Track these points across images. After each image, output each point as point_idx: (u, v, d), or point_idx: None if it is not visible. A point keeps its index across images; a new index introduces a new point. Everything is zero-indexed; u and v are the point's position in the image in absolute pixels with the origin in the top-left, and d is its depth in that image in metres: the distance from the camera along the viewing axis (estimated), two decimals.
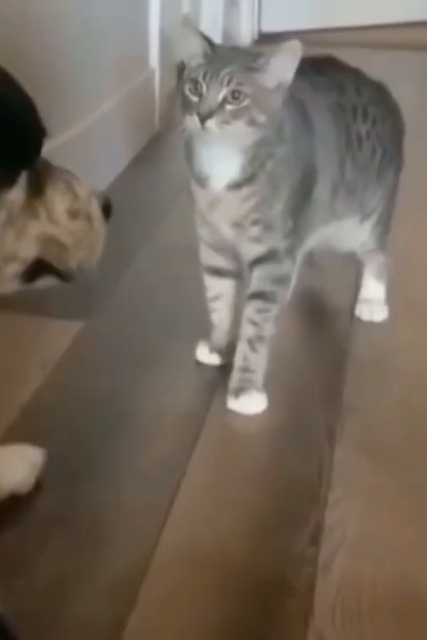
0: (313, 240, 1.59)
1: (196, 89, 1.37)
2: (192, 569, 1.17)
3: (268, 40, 4.54)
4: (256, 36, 4.62)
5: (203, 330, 1.62)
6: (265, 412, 1.50)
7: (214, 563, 1.19)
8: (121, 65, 2.64)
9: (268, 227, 1.46)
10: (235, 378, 1.51)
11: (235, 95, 1.36)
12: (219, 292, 1.57)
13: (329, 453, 1.41)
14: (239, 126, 1.37)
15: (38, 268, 0.98)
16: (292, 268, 1.51)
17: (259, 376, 1.51)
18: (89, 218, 1.02)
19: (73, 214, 1.00)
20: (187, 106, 1.38)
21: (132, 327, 1.69)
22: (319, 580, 1.15)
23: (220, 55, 1.39)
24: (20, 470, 1.27)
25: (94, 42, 2.37)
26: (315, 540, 1.22)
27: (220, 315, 1.59)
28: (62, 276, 1.02)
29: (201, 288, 1.58)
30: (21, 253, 0.95)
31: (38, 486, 1.29)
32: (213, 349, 1.61)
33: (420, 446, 1.44)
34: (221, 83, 1.36)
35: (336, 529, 1.25)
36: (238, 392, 1.50)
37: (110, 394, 1.54)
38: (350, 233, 1.69)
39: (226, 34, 4.13)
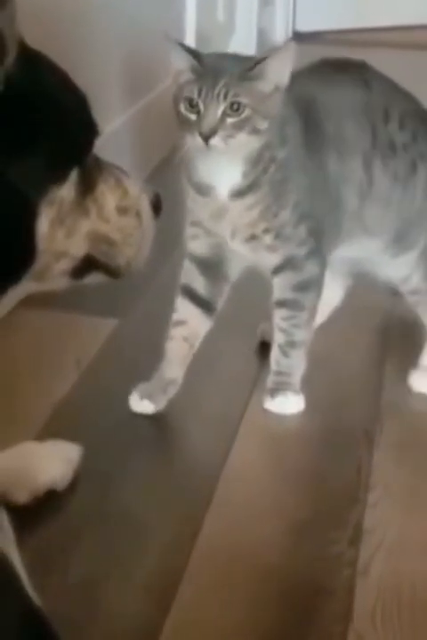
0: (347, 251, 1.52)
1: (192, 107, 1.32)
2: (230, 571, 1.16)
3: (303, 39, 4.52)
4: (291, 36, 4.60)
5: (238, 326, 1.61)
6: (303, 414, 1.49)
7: (252, 565, 1.18)
8: (155, 68, 2.64)
9: (278, 235, 1.41)
10: (271, 379, 1.50)
11: (234, 107, 1.31)
12: (184, 316, 1.48)
13: (368, 455, 1.40)
14: (243, 137, 1.33)
15: (87, 265, 0.98)
16: (317, 273, 1.46)
17: (295, 378, 1.49)
18: (138, 214, 1.01)
19: (123, 211, 0.99)
20: (186, 125, 1.33)
21: (167, 325, 1.67)
22: (359, 582, 1.14)
23: (210, 67, 1.33)
24: (57, 466, 1.27)
25: (128, 46, 2.37)
26: (354, 542, 1.21)
27: (174, 344, 1.48)
28: (111, 272, 1.01)
29: (235, 285, 1.56)
30: (71, 250, 0.94)
31: (75, 483, 1.29)
32: (144, 395, 1.47)
33: None
34: (218, 97, 1.31)
35: (375, 530, 1.24)
36: (274, 393, 1.49)
37: None
38: (386, 260, 1.54)
39: (261, 34, 4.11)
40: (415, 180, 1.50)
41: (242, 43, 4.00)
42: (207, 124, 1.31)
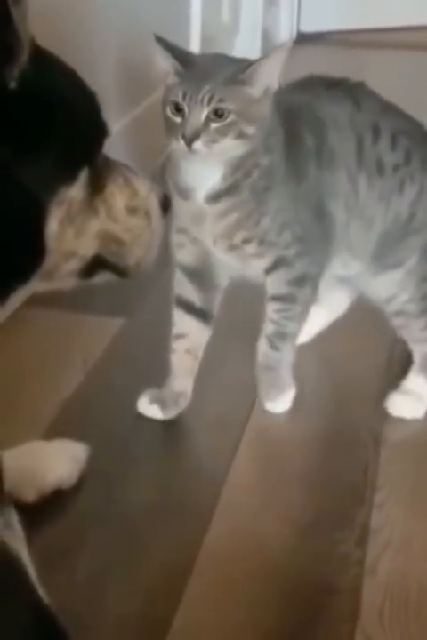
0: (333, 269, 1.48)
1: (178, 110, 1.30)
2: (237, 570, 1.17)
3: (307, 40, 4.52)
4: (295, 36, 4.60)
5: (244, 328, 1.61)
6: (309, 414, 1.49)
7: (259, 564, 1.18)
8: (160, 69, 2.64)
9: (262, 242, 1.39)
10: (261, 376, 1.48)
11: (218, 113, 1.29)
12: (183, 330, 1.47)
13: (374, 455, 1.40)
14: (228, 142, 1.31)
15: (96, 265, 0.98)
16: (310, 270, 1.43)
17: (283, 375, 1.48)
18: (147, 214, 1.02)
19: (132, 211, 0.99)
20: (171, 128, 1.31)
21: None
22: (366, 581, 1.15)
23: (196, 70, 1.31)
24: (64, 466, 1.27)
25: (133, 45, 2.37)
26: (361, 542, 1.21)
27: (178, 358, 1.47)
28: (120, 272, 1.01)
29: (242, 286, 1.56)
30: (81, 250, 0.94)
31: (81, 482, 1.29)
32: (154, 400, 1.47)
33: None
34: (202, 102, 1.29)
35: (382, 530, 1.24)
36: (269, 392, 1.48)
37: None
38: (368, 279, 1.50)
39: (265, 34, 4.12)
40: (401, 200, 1.46)
41: (246, 43, 4.00)
42: (190, 127, 1.29)
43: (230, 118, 1.30)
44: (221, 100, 1.29)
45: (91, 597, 1.10)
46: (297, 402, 1.51)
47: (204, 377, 1.50)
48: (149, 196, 1.02)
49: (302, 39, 4.57)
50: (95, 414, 1.47)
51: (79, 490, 1.28)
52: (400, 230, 1.47)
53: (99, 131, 0.94)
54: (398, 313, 1.50)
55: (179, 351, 1.47)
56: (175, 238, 1.44)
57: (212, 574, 1.16)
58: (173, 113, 1.31)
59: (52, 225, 0.88)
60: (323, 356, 1.51)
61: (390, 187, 1.44)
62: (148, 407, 1.46)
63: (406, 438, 1.45)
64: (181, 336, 1.47)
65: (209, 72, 1.31)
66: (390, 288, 1.49)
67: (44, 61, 0.86)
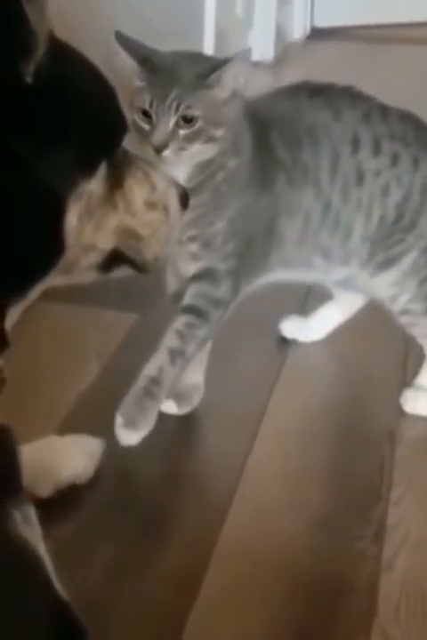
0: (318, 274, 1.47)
1: (146, 116, 1.28)
2: (253, 566, 1.16)
3: (321, 35, 4.52)
4: (309, 32, 4.60)
5: (257, 324, 1.61)
6: (325, 410, 1.49)
7: (276, 560, 1.18)
8: None
9: (206, 244, 1.36)
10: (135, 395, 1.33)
11: (186, 119, 1.27)
12: None
13: (390, 452, 1.39)
14: (197, 147, 1.29)
15: (114, 259, 0.98)
16: (230, 295, 1.38)
17: (158, 404, 1.34)
18: (166, 209, 1.01)
19: (151, 205, 0.99)
20: (141, 133, 1.29)
21: None
22: (383, 578, 1.14)
23: (161, 74, 1.28)
24: (79, 461, 1.27)
25: (148, 41, 2.37)
26: (378, 538, 1.21)
27: None
28: (138, 267, 1.01)
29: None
30: (99, 244, 0.94)
31: (96, 477, 1.29)
32: (169, 395, 1.40)
33: None
34: (170, 109, 1.26)
35: (399, 527, 1.24)
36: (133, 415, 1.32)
37: None
38: (366, 280, 1.48)
39: (279, 29, 4.12)
40: (386, 204, 1.42)
41: (260, 38, 4.00)
42: (158, 136, 1.27)
43: (199, 124, 1.28)
44: (188, 107, 1.27)
45: (108, 592, 1.10)
46: (311, 398, 1.51)
47: (218, 371, 1.50)
48: (167, 191, 1.02)
49: (316, 34, 4.57)
50: (110, 408, 1.46)
51: (94, 485, 1.28)
52: (387, 231, 1.44)
53: (118, 125, 0.94)
54: (404, 312, 1.48)
55: None
56: None
57: (228, 569, 1.15)
58: (140, 119, 1.29)
59: (72, 219, 0.88)
60: (339, 353, 1.50)
61: (372, 193, 1.42)
62: (163, 402, 1.46)
63: (422, 435, 1.44)
64: None
65: (174, 75, 1.28)
66: (389, 289, 1.47)
67: (62, 55, 0.86)
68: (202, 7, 3.00)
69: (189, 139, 1.28)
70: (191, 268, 1.38)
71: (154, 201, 1.00)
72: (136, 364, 1.60)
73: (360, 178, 1.41)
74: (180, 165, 1.31)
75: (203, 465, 1.37)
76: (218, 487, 1.31)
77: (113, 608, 1.08)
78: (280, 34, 4.13)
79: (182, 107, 1.27)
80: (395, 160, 1.42)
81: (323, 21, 4.50)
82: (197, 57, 1.37)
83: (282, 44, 4.16)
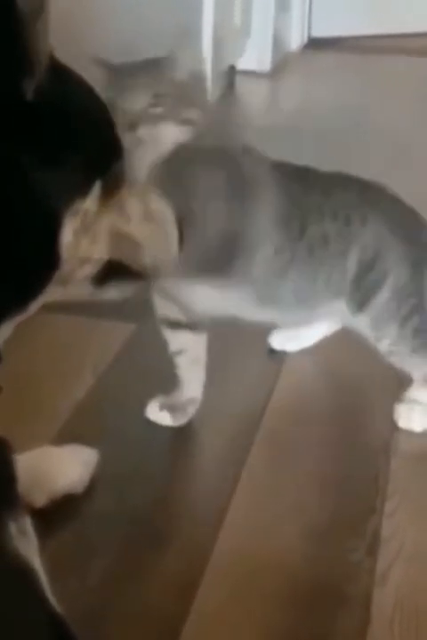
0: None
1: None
2: (248, 576, 1.17)
3: (318, 45, 4.53)
4: (306, 41, 4.61)
5: (252, 335, 1.61)
6: (319, 421, 1.49)
7: (270, 571, 1.18)
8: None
9: None
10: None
11: (156, 97, 1.31)
12: (180, 346, 1.45)
13: (385, 464, 1.39)
14: (170, 128, 1.32)
15: (111, 270, 0.98)
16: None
17: None
18: (163, 220, 1.02)
19: (147, 215, 0.99)
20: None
21: None
22: (376, 591, 1.15)
23: (127, 72, 1.34)
24: (74, 470, 1.27)
25: (145, 49, 2.38)
26: (372, 550, 1.21)
27: (183, 371, 1.46)
28: (136, 275, 1.01)
29: None
30: (95, 255, 0.94)
31: (92, 486, 1.29)
32: (164, 406, 1.46)
33: None
34: (139, 93, 1.31)
35: (393, 539, 1.24)
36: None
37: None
38: (351, 319, 1.48)
39: (276, 39, 4.12)
40: (347, 255, 1.42)
41: (257, 48, 4.01)
42: (129, 116, 1.29)
43: (168, 103, 1.31)
44: (155, 88, 1.31)
45: (104, 601, 1.10)
46: (307, 409, 1.52)
47: (213, 382, 1.50)
48: (163, 207, 1.02)
49: (313, 44, 4.58)
50: (105, 418, 1.48)
51: (90, 494, 1.28)
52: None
53: (113, 145, 0.95)
54: (390, 354, 1.48)
55: (182, 366, 1.46)
56: None
57: (224, 579, 1.16)
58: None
59: (67, 235, 0.88)
60: (334, 364, 1.51)
61: (332, 254, 1.41)
62: (157, 413, 1.46)
63: (417, 447, 1.44)
64: (178, 352, 1.46)
65: (138, 70, 1.34)
66: (366, 331, 1.47)
67: (62, 76, 0.86)
68: (200, 16, 3.01)
69: (162, 117, 1.30)
70: None
71: (150, 212, 1.00)
72: (133, 374, 1.61)
73: (325, 240, 1.40)
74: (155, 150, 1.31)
75: (198, 475, 1.37)
76: (213, 497, 1.31)
77: (109, 617, 1.08)
78: (278, 43, 4.14)
79: (150, 88, 1.30)
80: (348, 221, 1.41)
81: (321, 31, 4.51)
82: (150, 60, 1.39)
83: (279, 54, 4.17)
